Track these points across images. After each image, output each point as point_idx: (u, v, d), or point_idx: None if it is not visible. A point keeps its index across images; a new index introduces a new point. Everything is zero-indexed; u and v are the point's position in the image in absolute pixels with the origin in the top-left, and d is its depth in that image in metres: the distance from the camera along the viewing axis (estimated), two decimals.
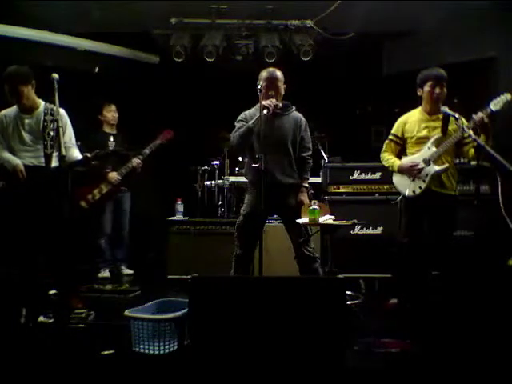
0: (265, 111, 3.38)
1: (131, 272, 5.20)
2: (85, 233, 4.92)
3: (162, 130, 4.92)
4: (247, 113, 3.65)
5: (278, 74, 3.61)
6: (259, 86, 3.42)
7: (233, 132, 3.62)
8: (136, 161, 4.81)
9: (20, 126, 3.54)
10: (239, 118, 3.65)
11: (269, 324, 2.34)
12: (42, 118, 3.52)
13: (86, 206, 4.67)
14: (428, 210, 3.60)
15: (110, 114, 5.09)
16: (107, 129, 5.12)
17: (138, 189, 5.24)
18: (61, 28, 5.39)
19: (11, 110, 3.59)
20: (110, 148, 4.89)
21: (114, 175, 4.79)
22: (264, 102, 3.41)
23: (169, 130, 4.93)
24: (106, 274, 4.99)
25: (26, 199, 3.42)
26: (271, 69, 3.65)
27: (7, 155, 3.51)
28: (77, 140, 3.78)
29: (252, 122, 3.46)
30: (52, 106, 3.39)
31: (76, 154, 3.62)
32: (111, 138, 5.02)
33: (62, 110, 3.50)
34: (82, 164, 3.63)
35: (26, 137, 3.53)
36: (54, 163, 3.50)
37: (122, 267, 5.19)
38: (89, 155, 3.42)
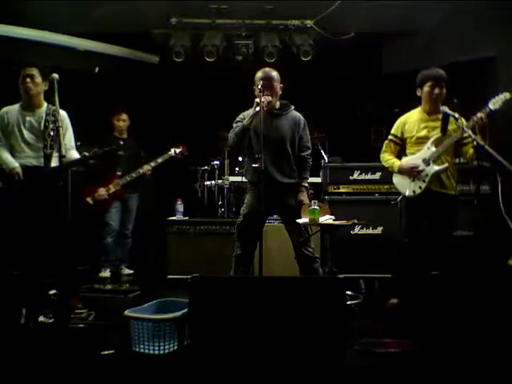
0: (257, 108, 3.37)
1: (131, 272, 5.21)
2: (89, 231, 4.98)
3: (179, 143, 5.07)
4: (245, 113, 3.64)
5: (274, 74, 3.59)
6: (259, 87, 3.42)
7: (230, 132, 3.63)
8: (146, 167, 4.95)
9: (21, 124, 3.57)
10: (237, 118, 3.66)
11: (269, 324, 2.34)
12: (44, 118, 3.54)
13: (91, 202, 4.85)
14: (428, 210, 3.60)
15: (120, 123, 5.16)
16: (117, 134, 5.18)
17: (138, 189, 5.24)
18: (61, 28, 5.40)
19: (13, 108, 3.62)
20: (119, 153, 4.98)
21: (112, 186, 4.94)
22: (257, 99, 3.40)
23: (183, 144, 5.08)
24: (106, 273, 4.98)
25: (25, 199, 3.42)
26: (267, 69, 3.63)
27: (5, 156, 3.54)
28: (87, 142, 3.82)
29: (246, 120, 3.46)
30: (54, 107, 3.40)
31: (75, 156, 3.65)
32: (120, 143, 5.10)
33: (63, 112, 3.54)
34: (81, 163, 3.64)
35: (26, 134, 3.56)
36: (54, 163, 3.52)
37: (122, 267, 5.20)
38: (87, 154, 3.45)
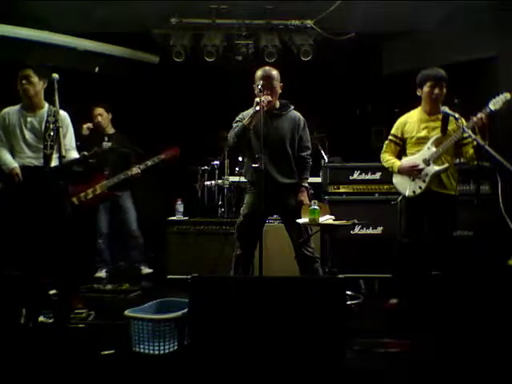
0: (257, 107, 3.35)
1: (150, 271, 5.05)
2: (80, 232, 4.94)
3: (169, 147, 4.88)
4: (245, 113, 3.64)
5: (274, 72, 3.57)
6: (259, 87, 3.41)
7: (229, 132, 3.62)
8: (136, 170, 4.76)
9: (22, 124, 3.58)
10: (237, 118, 3.65)
11: (269, 324, 2.34)
12: (45, 119, 3.56)
13: (76, 203, 4.65)
14: (428, 210, 3.60)
15: (96, 118, 4.99)
16: (101, 130, 5.03)
17: (138, 189, 5.22)
18: (61, 28, 5.39)
19: (15, 108, 3.64)
20: (104, 147, 4.83)
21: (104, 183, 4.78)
22: (257, 99, 3.38)
23: (176, 148, 4.89)
24: (101, 274, 4.93)
25: (25, 200, 3.43)
26: (267, 68, 3.62)
27: (6, 157, 3.55)
28: (77, 141, 3.82)
29: (246, 120, 3.44)
30: (55, 108, 3.41)
31: (74, 156, 3.65)
32: (106, 138, 4.96)
33: (64, 113, 3.56)
34: (80, 163, 3.64)
35: (28, 135, 3.57)
36: (53, 164, 3.53)
37: (142, 267, 5.07)
38: (87, 153, 3.45)
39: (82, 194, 4.71)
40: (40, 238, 3.42)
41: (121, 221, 5.06)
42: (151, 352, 2.75)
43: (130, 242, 5.07)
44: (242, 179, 4.10)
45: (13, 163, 3.53)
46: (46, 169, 3.50)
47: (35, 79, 3.55)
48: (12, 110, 3.63)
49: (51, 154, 3.52)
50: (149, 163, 4.82)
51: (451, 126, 3.47)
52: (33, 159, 3.56)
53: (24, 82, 3.53)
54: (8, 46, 5.08)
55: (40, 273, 3.47)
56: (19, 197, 3.47)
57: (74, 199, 4.68)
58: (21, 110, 3.61)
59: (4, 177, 3.57)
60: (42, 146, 3.53)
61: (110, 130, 5.11)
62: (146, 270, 5.09)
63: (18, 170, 3.50)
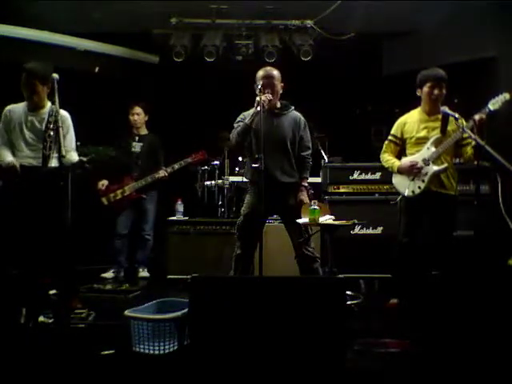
0: (259, 108, 3.35)
1: (147, 275, 5.07)
2: (98, 231, 5.01)
3: (198, 150, 4.96)
4: (246, 113, 3.65)
5: (275, 72, 3.60)
6: (259, 87, 3.42)
7: (232, 132, 3.63)
8: (162, 173, 4.88)
9: (23, 123, 3.56)
10: (238, 118, 3.66)
11: (269, 324, 2.34)
12: (46, 119, 3.53)
13: (105, 203, 4.84)
14: (428, 210, 3.60)
15: (134, 117, 5.04)
16: (134, 130, 5.09)
17: (155, 188, 5.21)
18: (61, 28, 5.40)
19: (18, 106, 3.62)
20: (134, 150, 4.99)
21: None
22: (258, 98, 3.39)
23: (203, 151, 4.97)
24: (108, 274, 4.94)
25: (24, 199, 3.42)
26: (268, 68, 3.64)
27: (3, 152, 3.52)
28: (87, 142, 3.81)
29: (248, 119, 3.46)
30: (56, 107, 3.40)
31: (74, 158, 3.60)
32: (136, 139, 5.04)
33: (65, 113, 3.54)
34: (78, 167, 3.62)
35: (28, 134, 3.55)
36: (52, 164, 3.51)
37: (140, 269, 5.09)
38: (84, 159, 3.44)
39: (112, 195, 4.81)
40: (39, 238, 3.41)
41: (137, 221, 5.06)
42: (151, 352, 2.75)
43: (139, 243, 5.08)
44: (242, 179, 4.11)
45: (9, 157, 3.48)
46: (44, 169, 3.48)
47: (39, 87, 3.51)
48: (15, 108, 3.61)
49: (50, 154, 3.50)
50: (176, 166, 4.92)
51: (451, 126, 3.47)
52: (31, 159, 3.54)
53: (28, 89, 3.49)
54: (8, 45, 5.08)
55: (40, 273, 3.47)
56: (17, 196, 3.45)
57: (104, 199, 4.83)
58: (24, 109, 3.59)
59: (2, 175, 3.55)
60: (41, 146, 3.51)
61: (143, 131, 5.14)
62: (143, 273, 5.09)
63: (16, 163, 3.46)
